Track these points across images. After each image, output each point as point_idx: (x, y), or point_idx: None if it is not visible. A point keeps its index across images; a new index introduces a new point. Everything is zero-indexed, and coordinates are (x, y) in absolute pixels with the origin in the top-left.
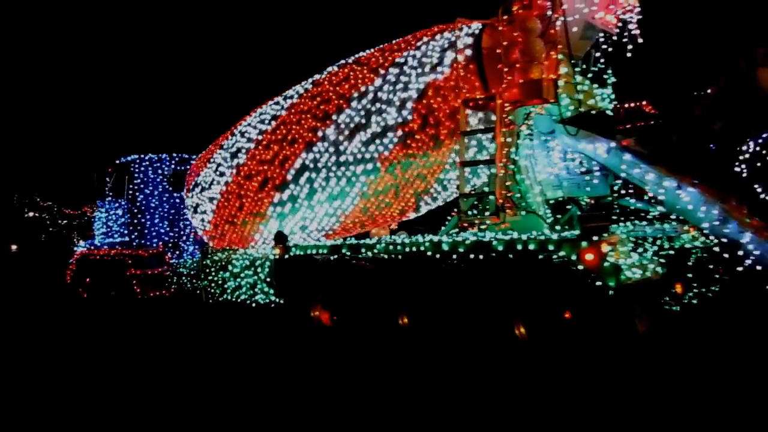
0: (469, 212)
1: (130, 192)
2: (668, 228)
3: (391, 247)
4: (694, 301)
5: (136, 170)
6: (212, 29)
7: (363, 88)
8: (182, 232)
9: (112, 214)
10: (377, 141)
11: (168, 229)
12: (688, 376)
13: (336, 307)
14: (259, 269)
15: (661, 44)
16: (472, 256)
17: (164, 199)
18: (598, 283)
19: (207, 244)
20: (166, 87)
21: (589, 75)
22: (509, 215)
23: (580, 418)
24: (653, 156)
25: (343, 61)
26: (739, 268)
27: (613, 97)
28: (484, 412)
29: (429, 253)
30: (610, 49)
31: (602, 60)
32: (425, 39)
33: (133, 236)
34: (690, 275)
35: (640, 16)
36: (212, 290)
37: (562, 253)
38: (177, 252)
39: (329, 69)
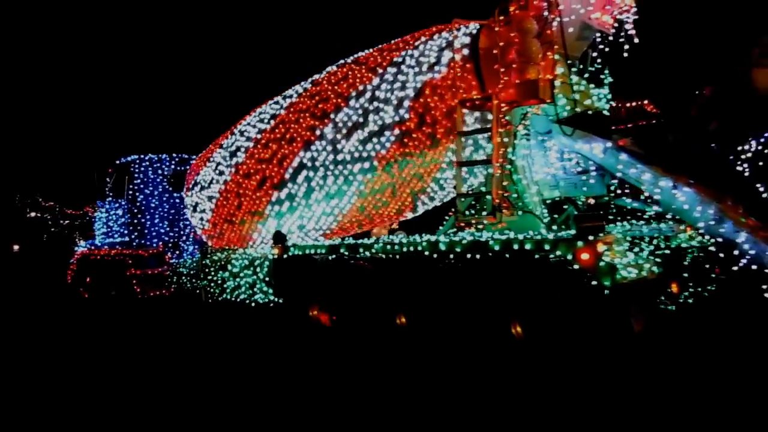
0: (467, 212)
1: (130, 192)
2: (665, 227)
3: (388, 246)
4: (690, 301)
5: (136, 170)
6: (212, 29)
7: (361, 87)
8: (182, 232)
9: (113, 214)
10: (374, 140)
11: (168, 229)
12: (683, 376)
13: (334, 306)
14: (258, 269)
15: (657, 44)
16: (469, 255)
17: (164, 199)
18: (594, 283)
19: (206, 244)
20: (166, 87)
21: (586, 75)
22: (506, 215)
23: (576, 416)
24: (649, 156)
25: (342, 61)
26: (735, 268)
27: (609, 97)
28: (481, 410)
29: (426, 253)
30: (606, 50)
31: (599, 60)
32: (423, 39)
33: (133, 236)
34: (686, 275)
35: (636, 17)
36: (212, 290)
37: (558, 253)
38: (177, 252)
39: (329, 69)
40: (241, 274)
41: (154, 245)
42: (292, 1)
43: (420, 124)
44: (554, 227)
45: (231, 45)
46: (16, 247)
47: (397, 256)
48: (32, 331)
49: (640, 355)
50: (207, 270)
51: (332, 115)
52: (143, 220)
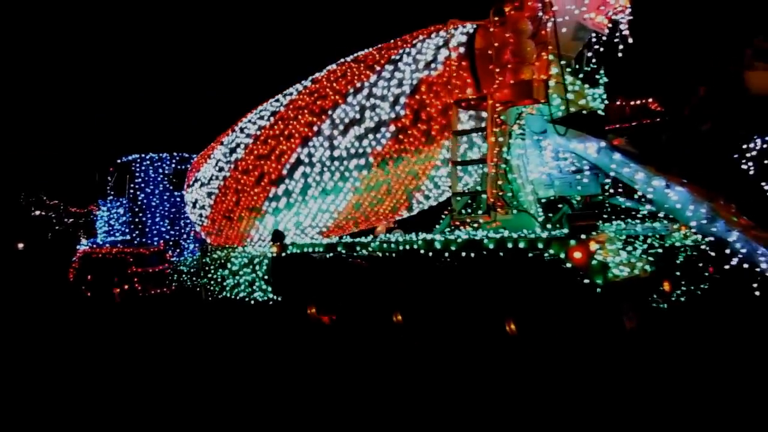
0: (463, 211)
1: (132, 191)
2: (659, 226)
3: (385, 245)
4: (683, 299)
5: (137, 169)
6: (213, 29)
7: (359, 84)
8: (183, 231)
9: (114, 213)
10: (370, 136)
11: (169, 227)
12: (674, 373)
13: (331, 304)
14: (257, 267)
15: (651, 45)
16: (464, 254)
17: (165, 197)
18: (586, 281)
19: (206, 242)
20: (166, 87)
21: (581, 75)
22: (501, 214)
23: (568, 412)
24: (643, 155)
25: (342, 60)
26: (727, 267)
27: (604, 96)
28: (476, 406)
29: (422, 252)
30: (601, 50)
31: (594, 60)
32: (421, 37)
33: (134, 234)
34: (678, 273)
35: (630, 17)
36: (212, 288)
37: (551, 252)
38: (178, 250)
39: (328, 67)
40: (241, 273)
41: (155, 243)
42: (293, 1)
43: (415, 120)
44: (549, 226)
45: (231, 45)
46: (20, 245)
47: (394, 255)
48: (35, 328)
49: (631, 352)
50: (207, 268)
51: (330, 112)
52: (144, 219)
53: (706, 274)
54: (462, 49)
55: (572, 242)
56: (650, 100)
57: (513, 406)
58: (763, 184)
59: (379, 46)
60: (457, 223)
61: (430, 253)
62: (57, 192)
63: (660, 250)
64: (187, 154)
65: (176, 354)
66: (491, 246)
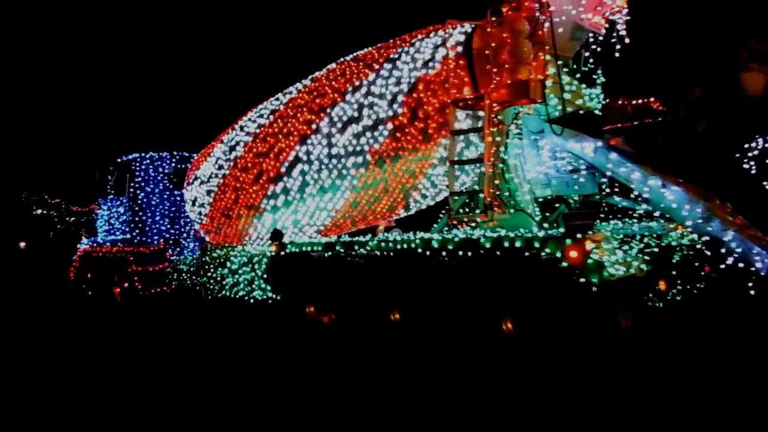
0: (461, 210)
1: (132, 190)
2: (656, 226)
3: (383, 244)
4: (678, 298)
5: (137, 168)
6: (213, 29)
7: (357, 83)
8: (183, 230)
9: (114, 212)
10: (368, 134)
11: (169, 226)
12: (669, 371)
13: (329, 303)
14: (256, 266)
15: (648, 46)
16: (461, 253)
17: (165, 196)
18: (582, 280)
19: (206, 241)
20: (166, 87)
21: (578, 75)
22: (498, 213)
23: (564, 410)
24: (639, 155)
25: (342, 59)
26: (722, 266)
27: (602, 96)
28: (472, 403)
29: (419, 251)
30: (599, 50)
31: (591, 60)
32: (420, 37)
33: (134, 233)
34: (674, 272)
35: (628, 17)
36: (211, 286)
37: (547, 251)
38: (178, 249)
39: (328, 66)
40: (240, 271)
41: (155, 242)
42: (293, 2)
43: (412, 118)
44: (546, 225)
45: (231, 45)
46: (22, 244)
47: (392, 254)
48: (36, 327)
49: (627, 350)
50: (207, 267)
51: (328, 110)
52: (144, 218)
53: (702, 273)
54: (460, 48)
55: (568, 241)
56: (652, 99)
57: (509, 404)
58: (759, 183)
59: (379, 45)
60: (455, 222)
61: (428, 252)
62: (58, 191)
63: (656, 250)
64: (187, 153)
65: (176, 352)
66: (488, 245)
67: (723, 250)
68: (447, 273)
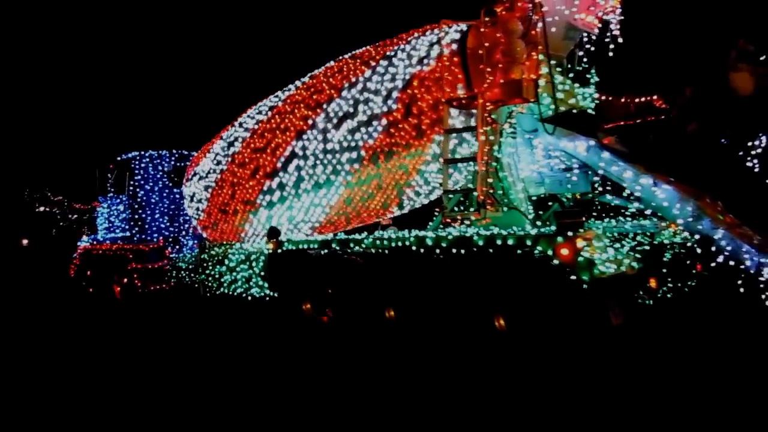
0: (455, 208)
1: (131, 188)
2: (649, 224)
3: (378, 242)
4: (669, 296)
5: (137, 167)
6: (213, 29)
7: (353, 79)
8: (182, 228)
9: (114, 210)
10: (363, 129)
11: (168, 224)
12: (659, 368)
13: (325, 300)
14: (253, 264)
15: (640, 46)
16: (454, 251)
17: (164, 194)
18: (573, 278)
19: (205, 238)
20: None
21: (571, 75)
22: (491, 211)
23: (556, 407)
24: (631, 154)
25: (340, 57)
26: (712, 264)
27: (595, 96)
28: (464, 399)
29: (414, 248)
30: (592, 50)
31: (585, 59)
32: (416, 35)
33: (134, 231)
34: (665, 270)
35: (621, 17)
36: (210, 284)
37: (539, 248)
38: (177, 246)
39: (327, 64)
40: (238, 269)
41: (155, 240)
42: (293, 2)
43: (406, 114)
44: (539, 223)
45: (231, 45)
46: (25, 242)
47: (386, 251)
48: (37, 323)
49: (617, 347)
50: (205, 265)
51: (324, 105)
52: (144, 216)
53: (694, 271)
54: (454, 46)
55: (559, 239)
56: (655, 97)
57: (502, 400)
58: (748, 182)
59: (377, 43)
60: (449, 220)
61: (422, 250)
62: (60, 189)
63: (647, 248)
64: (186, 151)
65: (175, 350)
66: (481, 243)
67: (713, 248)
68: (441, 270)
